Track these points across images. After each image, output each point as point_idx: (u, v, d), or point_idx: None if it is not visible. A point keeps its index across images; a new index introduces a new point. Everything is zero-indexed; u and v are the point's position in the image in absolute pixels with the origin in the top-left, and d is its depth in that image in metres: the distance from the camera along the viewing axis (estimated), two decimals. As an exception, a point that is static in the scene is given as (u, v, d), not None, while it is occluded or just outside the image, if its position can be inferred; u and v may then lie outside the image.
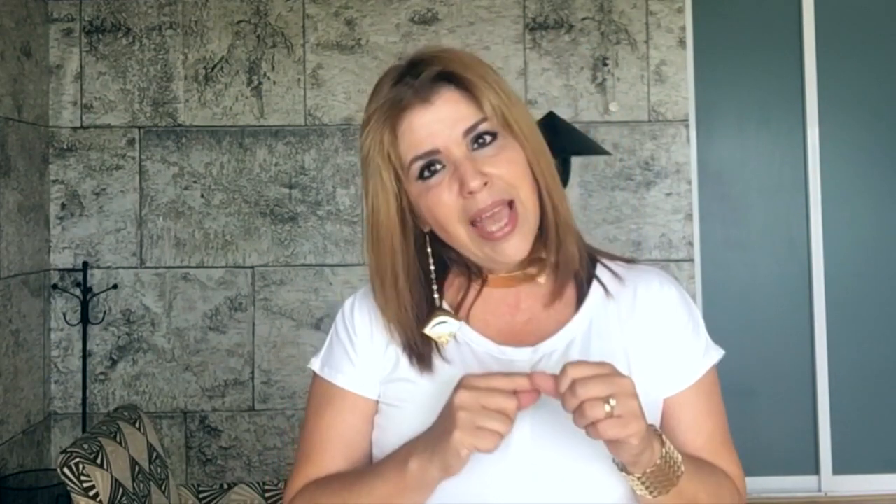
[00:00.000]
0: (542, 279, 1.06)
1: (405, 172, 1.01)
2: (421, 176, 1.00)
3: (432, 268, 1.05)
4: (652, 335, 1.05)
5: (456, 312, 1.05)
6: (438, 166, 0.99)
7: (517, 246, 1.00)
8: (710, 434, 1.08)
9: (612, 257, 1.12)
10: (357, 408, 1.06)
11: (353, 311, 1.09)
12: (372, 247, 1.04)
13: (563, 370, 0.87)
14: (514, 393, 0.88)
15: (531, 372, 0.89)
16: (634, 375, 1.00)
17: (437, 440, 0.91)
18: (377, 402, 1.06)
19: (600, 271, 1.09)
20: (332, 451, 1.07)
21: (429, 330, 1.03)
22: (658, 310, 1.07)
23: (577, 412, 0.86)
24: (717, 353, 1.09)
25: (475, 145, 0.99)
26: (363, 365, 1.06)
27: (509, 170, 0.99)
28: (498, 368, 1.01)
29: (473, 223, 0.99)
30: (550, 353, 1.02)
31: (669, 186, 3.63)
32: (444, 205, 0.99)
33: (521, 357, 1.02)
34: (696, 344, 1.08)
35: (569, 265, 1.05)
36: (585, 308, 1.05)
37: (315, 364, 1.11)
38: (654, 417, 1.03)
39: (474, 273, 1.07)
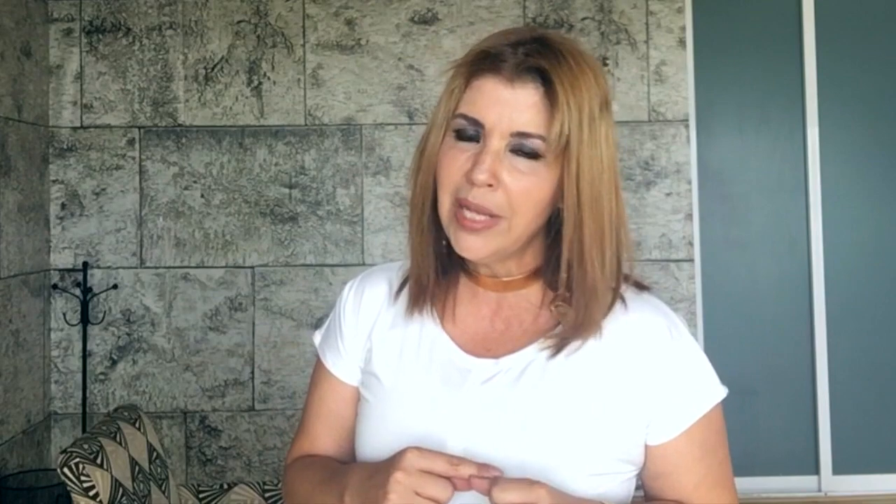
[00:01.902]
0: (531, 291, 1.04)
1: (450, 119, 1.00)
2: (457, 132, 0.99)
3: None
4: (634, 378, 1.00)
5: (443, 309, 1.07)
6: (473, 135, 0.98)
7: (474, 244, 0.97)
8: (701, 478, 1.03)
9: (628, 280, 1.05)
10: (339, 393, 1.12)
11: (349, 296, 1.14)
12: (414, 174, 1.04)
13: (492, 495, 0.88)
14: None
15: (473, 474, 0.89)
16: (601, 413, 0.98)
17: (369, 494, 0.93)
18: (358, 387, 1.11)
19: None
20: (319, 427, 1.14)
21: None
22: (652, 354, 1.01)
23: None
24: (716, 396, 1.02)
25: (516, 149, 0.96)
26: (346, 352, 1.11)
27: (520, 194, 0.96)
28: (455, 376, 1.01)
29: (458, 203, 0.98)
30: (508, 368, 1.00)
31: (669, 186, 3.63)
32: (449, 171, 0.98)
33: (480, 368, 1.01)
34: (691, 393, 1.01)
35: (585, 329, 0.99)
36: (559, 331, 1.01)
37: (317, 337, 1.18)
38: (626, 460, 1.00)
39: (464, 268, 1.07)
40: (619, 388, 0.99)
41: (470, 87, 0.98)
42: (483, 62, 0.98)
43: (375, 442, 1.03)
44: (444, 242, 1.03)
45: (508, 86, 0.96)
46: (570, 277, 0.98)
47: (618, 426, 0.98)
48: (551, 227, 1.01)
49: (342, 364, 1.11)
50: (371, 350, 1.08)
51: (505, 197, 0.96)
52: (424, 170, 1.02)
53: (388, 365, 1.06)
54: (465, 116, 0.98)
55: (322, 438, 1.13)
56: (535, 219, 0.98)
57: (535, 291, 1.05)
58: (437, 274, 1.05)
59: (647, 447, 1.01)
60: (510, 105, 0.95)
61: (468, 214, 0.96)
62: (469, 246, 0.98)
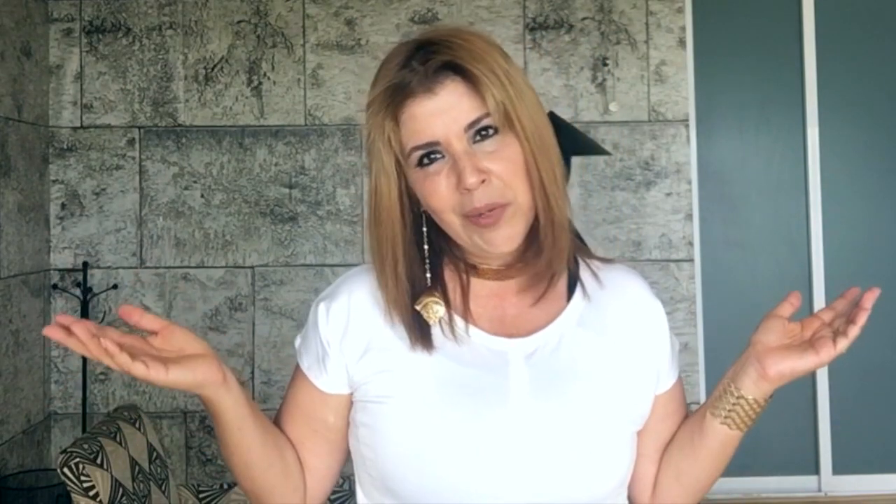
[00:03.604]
0: (530, 273, 1.06)
1: (405, 159, 1.00)
2: (420, 163, 0.99)
3: (426, 247, 1.05)
4: (640, 334, 1.10)
5: (450, 306, 1.05)
6: (438, 155, 0.99)
7: (506, 235, 0.99)
8: (684, 416, 1.16)
9: (591, 256, 1.14)
10: (319, 400, 1.09)
11: (329, 314, 1.08)
12: (373, 229, 1.04)
13: None
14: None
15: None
16: (629, 372, 1.06)
17: None
18: (344, 396, 1.07)
19: (583, 271, 1.12)
20: (287, 424, 1.12)
21: (419, 306, 1.04)
22: (643, 309, 1.11)
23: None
24: (677, 344, 1.17)
25: (476, 138, 0.98)
26: (333, 367, 1.07)
27: (507, 168, 0.98)
28: (492, 359, 1.02)
29: (469, 216, 0.99)
30: (544, 344, 1.04)
31: (669, 186, 3.63)
32: (440, 196, 0.99)
33: (514, 348, 1.03)
34: (672, 340, 1.14)
35: (558, 263, 1.05)
36: (574, 303, 1.08)
37: (298, 340, 1.15)
38: (645, 414, 1.08)
39: (466, 263, 1.07)
40: (635, 351, 1.08)
41: (402, 124, 1.00)
42: (396, 95, 0.99)
43: (407, 437, 1.00)
44: (427, 275, 1.04)
45: (431, 95, 0.98)
46: (543, 221, 1.02)
47: (646, 384, 1.08)
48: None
49: (326, 379, 1.07)
50: (379, 355, 1.04)
51: (500, 182, 0.98)
52: (385, 222, 1.03)
53: (410, 360, 1.03)
54: (417, 147, 0.99)
55: (299, 443, 1.10)
56: (528, 187, 1.00)
57: (536, 272, 1.07)
58: (415, 317, 1.04)
59: (655, 397, 1.10)
60: (445, 109, 0.98)
61: (484, 213, 0.99)
62: (501, 240, 1.00)
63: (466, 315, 1.05)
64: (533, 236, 1.05)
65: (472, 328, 1.04)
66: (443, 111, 0.98)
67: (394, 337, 1.05)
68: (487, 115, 0.97)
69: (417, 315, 1.03)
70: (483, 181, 0.97)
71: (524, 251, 1.06)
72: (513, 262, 1.06)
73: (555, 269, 1.05)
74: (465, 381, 1.01)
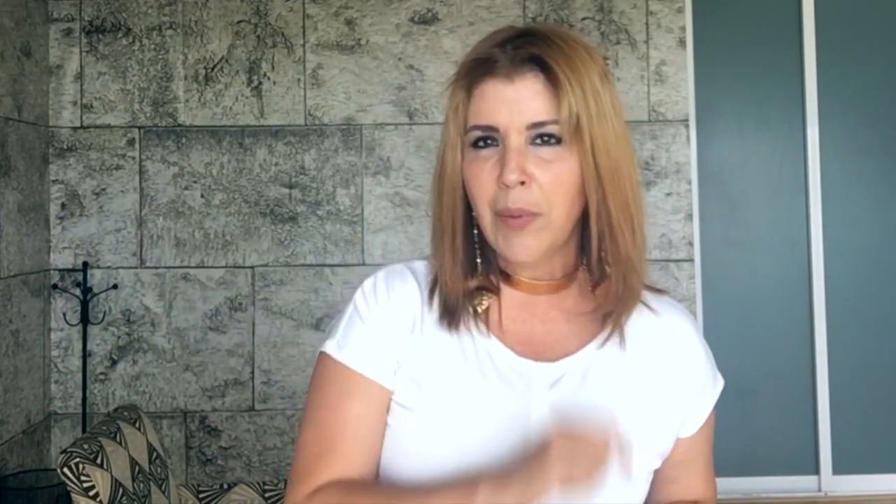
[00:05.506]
0: (572, 291, 1.03)
1: (464, 134, 0.99)
2: (475, 144, 0.98)
3: (475, 232, 1.02)
4: (675, 373, 1.06)
5: (487, 317, 1.03)
6: (493, 142, 0.97)
7: (526, 245, 0.96)
8: (709, 455, 1.13)
9: (645, 286, 1.09)
10: (377, 399, 1.01)
11: (375, 295, 1.04)
12: (436, 198, 1.03)
13: None
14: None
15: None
16: (654, 408, 1.03)
17: (518, 470, 0.90)
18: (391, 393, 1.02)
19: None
20: (357, 448, 1.00)
21: (473, 284, 1.02)
22: (685, 350, 1.08)
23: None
24: (721, 383, 1.11)
25: (537, 141, 0.96)
26: (382, 350, 1.01)
27: (553, 182, 0.95)
28: (516, 381, 0.99)
29: (499, 215, 0.97)
30: (570, 371, 1.01)
31: (669, 186, 3.63)
32: (480, 183, 0.97)
33: (539, 372, 1.00)
34: (709, 385, 1.09)
35: (629, 299, 1.01)
36: (608, 331, 1.03)
37: (330, 347, 1.03)
38: (663, 454, 1.06)
39: (499, 270, 1.05)
40: (663, 389, 1.05)
41: (473, 98, 0.98)
42: (478, 69, 0.98)
43: (427, 452, 0.98)
44: (478, 260, 1.02)
45: (509, 83, 0.96)
46: (604, 252, 0.99)
47: (662, 423, 1.04)
48: (585, 227, 1.01)
49: (379, 365, 1.00)
50: (410, 355, 1.01)
51: (540, 192, 0.95)
52: (447, 191, 1.01)
53: (437, 371, 1.00)
54: (477, 126, 0.98)
55: (358, 460, 0.99)
56: (572, 208, 0.97)
57: (574, 291, 1.04)
58: (466, 297, 1.02)
59: (676, 439, 1.07)
60: (516, 100, 0.96)
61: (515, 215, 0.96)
62: (520, 248, 0.96)
63: (493, 331, 1.02)
64: (572, 257, 1.03)
65: (498, 344, 1.01)
66: (513, 101, 0.96)
67: (429, 346, 1.02)
68: (556, 122, 0.95)
69: (464, 297, 1.01)
70: (523, 183, 0.95)
71: (562, 273, 1.03)
72: (547, 277, 1.03)
73: (627, 308, 1.02)
74: (487, 402, 0.99)
